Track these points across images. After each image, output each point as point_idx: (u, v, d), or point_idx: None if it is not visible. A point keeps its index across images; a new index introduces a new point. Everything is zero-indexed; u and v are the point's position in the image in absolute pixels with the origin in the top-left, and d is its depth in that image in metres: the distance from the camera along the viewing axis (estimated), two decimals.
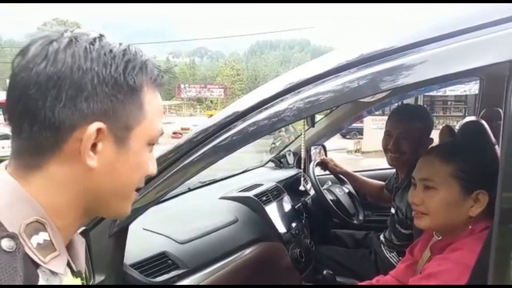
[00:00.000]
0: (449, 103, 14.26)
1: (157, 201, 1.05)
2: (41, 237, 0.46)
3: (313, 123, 1.53)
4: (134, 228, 1.36)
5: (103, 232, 1.05)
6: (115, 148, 0.50)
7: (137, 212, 1.03)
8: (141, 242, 1.29)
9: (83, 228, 1.03)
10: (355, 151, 13.08)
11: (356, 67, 0.80)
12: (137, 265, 1.16)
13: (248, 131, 0.87)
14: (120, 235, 1.07)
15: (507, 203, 0.70)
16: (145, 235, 1.34)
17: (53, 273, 0.47)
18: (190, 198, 1.75)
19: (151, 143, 0.54)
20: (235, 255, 1.42)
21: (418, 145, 1.59)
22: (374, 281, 1.28)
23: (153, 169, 0.57)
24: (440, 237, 1.05)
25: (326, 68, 0.83)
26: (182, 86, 39.74)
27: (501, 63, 0.70)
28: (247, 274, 1.45)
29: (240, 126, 0.89)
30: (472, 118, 1.73)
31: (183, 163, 0.95)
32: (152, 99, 0.52)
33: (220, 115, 0.95)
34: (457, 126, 1.66)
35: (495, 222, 0.71)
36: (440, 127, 1.34)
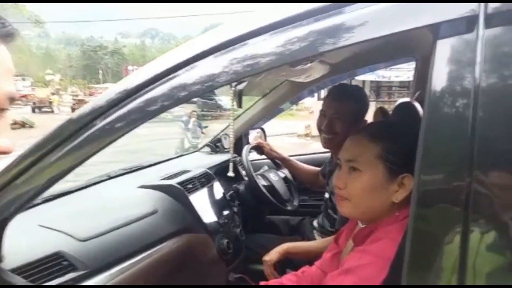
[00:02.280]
0: (393, 88, 14.85)
1: (39, 194, 0.86)
2: None
3: (240, 104, 1.39)
4: (27, 225, 1.16)
5: None
6: None
7: (16, 205, 0.84)
8: (33, 241, 1.10)
9: None
10: (305, 135, 13.26)
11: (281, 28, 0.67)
12: (20, 270, 0.97)
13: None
14: None
15: (425, 185, 0.62)
16: (40, 232, 1.15)
17: None
18: (104, 188, 1.56)
19: None
20: (151, 250, 1.27)
21: (351, 126, 1.51)
22: (299, 272, 1.20)
23: (5, 142, 0.44)
24: (364, 226, 0.97)
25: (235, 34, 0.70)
26: (130, 68, 38.00)
27: (424, 26, 0.61)
28: (165, 270, 1.31)
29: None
30: (406, 99, 1.70)
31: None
32: None
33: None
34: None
35: (413, 206, 0.63)
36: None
